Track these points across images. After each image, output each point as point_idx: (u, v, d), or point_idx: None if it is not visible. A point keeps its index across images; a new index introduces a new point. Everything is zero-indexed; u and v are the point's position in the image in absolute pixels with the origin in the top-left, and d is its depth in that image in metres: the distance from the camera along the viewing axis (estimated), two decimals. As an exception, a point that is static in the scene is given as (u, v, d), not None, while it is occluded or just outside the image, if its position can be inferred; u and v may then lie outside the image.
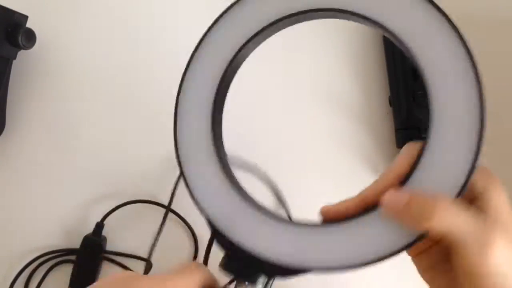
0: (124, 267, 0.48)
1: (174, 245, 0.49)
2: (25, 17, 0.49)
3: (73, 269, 0.48)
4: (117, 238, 0.49)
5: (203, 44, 0.33)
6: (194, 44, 0.33)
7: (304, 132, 0.52)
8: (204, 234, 0.48)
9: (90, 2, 0.54)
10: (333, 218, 0.28)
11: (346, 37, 0.54)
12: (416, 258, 0.30)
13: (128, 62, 0.53)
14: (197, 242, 0.49)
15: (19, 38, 0.47)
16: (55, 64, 0.52)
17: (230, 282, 0.31)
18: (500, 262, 0.23)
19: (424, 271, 0.29)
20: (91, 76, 0.53)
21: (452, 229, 0.24)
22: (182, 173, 0.32)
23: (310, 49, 0.54)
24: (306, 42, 0.54)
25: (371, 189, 0.28)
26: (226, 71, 0.31)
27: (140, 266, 0.47)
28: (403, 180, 0.27)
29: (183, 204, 0.49)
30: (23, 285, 0.48)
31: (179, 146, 0.32)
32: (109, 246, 0.49)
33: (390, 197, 0.26)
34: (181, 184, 0.51)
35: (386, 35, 0.28)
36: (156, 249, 0.48)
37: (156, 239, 0.48)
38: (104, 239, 0.48)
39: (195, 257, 0.49)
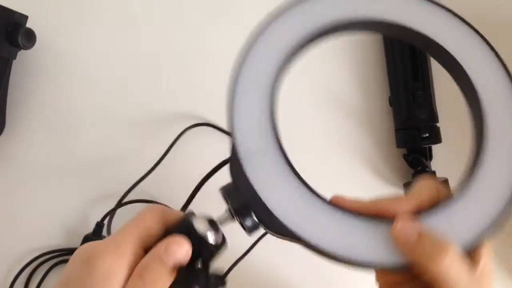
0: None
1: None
2: (25, 17, 0.49)
3: (73, 269, 0.48)
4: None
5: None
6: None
7: (304, 132, 0.52)
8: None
9: (90, 2, 0.54)
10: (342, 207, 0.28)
11: (346, 37, 0.54)
12: None
13: (128, 62, 0.53)
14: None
15: (19, 38, 0.47)
16: (55, 64, 0.52)
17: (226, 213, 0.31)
18: None
19: None
20: (91, 76, 0.53)
21: (449, 275, 0.25)
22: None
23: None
24: (306, 42, 0.54)
25: (388, 204, 0.28)
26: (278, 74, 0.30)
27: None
28: (421, 210, 0.27)
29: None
30: (23, 285, 0.48)
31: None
32: (109, 246, 0.49)
33: (403, 226, 0.26)
34: (181, 184, 0.51)
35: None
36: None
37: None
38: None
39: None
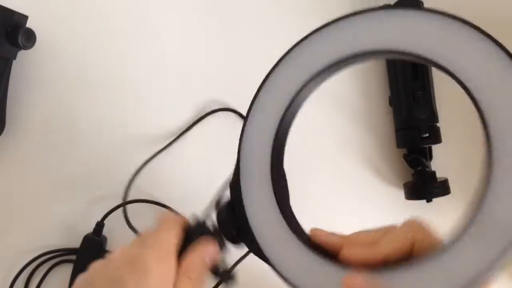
0: (124, 267, 0.48)
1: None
2: (25, 17, 0.49)
3: (73, 269, 0.48)
4: (117, 238, 0.49)
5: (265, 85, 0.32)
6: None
7: (304, 132, 0.52)
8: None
9: (90, 2, 0.54)
10: (319, 243, 0.30)
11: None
12: None
13: (128, 62, 0.53)
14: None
15: (19, 38, 0.47)
16: (55, 64, 0.52)
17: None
18: None
19: None
20: (91, 76, 0.52)
21: None
22: None
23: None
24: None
25: (355, 247, 0.28)
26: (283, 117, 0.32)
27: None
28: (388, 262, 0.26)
29: (183, 204, 0.49)
30: (23, 285, 0.48)
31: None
32: (109, 246, 0.49)
33: (350, 279, 0.26)
34: (181, 183, 0.51)
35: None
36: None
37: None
38: (104, 239, 0.48)
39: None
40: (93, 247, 0.48)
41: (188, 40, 0.53)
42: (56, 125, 0.51)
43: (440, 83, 0.51)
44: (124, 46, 0.53)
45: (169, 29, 0.54)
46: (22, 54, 0.50)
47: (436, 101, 0.51)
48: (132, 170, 0.50)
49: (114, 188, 0.50)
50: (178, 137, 0.51)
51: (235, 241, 0.33)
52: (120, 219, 0.49)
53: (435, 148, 0.51)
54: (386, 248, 0.27)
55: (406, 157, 0.50)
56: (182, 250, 0.32)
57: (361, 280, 0.26)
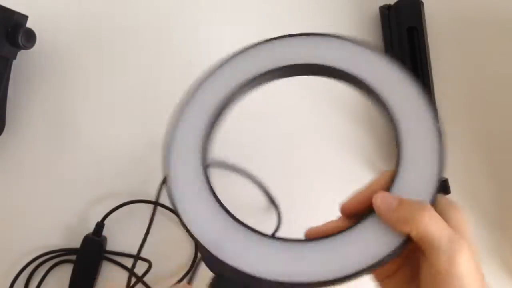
0: (124, 267, 0.48)
1: (174, 245, 0.49)
2: (25, 17, 0.49)
3: (73, 269, 0.48)
4: (117, 238, 0.49)
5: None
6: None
7: (304, 132, 0.52)
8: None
9: (90, 2, 0.54)
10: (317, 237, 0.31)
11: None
12: (383, 282, 0.32)
13: (128, 62, 0.53)
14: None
15: (19, 38, 0.47)
16: (55, 64, 0.52)
17: None
18: (464, 268, 0.26)
19: None
20: (91, 76, 0.53)
21: (431, 233, 0.27)
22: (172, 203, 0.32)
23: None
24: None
25: (354, 199, 0.31)
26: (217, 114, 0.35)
27: (140, 266, 0.47)
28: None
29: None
30: (23, 285, 0.48)
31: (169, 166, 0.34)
32: (109, 246, 0.49)
33: (384, 198, 0.29)
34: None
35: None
36: (157, 249, 0.48)
37: (145, 236, 0.48)
38: (104, 239, 0.48)
39: (194, 258, 0.49)
40: (93, 247, 0.48)
41: (188, 40, 0.53)
42: (56, 125, 0.51)
43: (440, 83, 0.51)
44: (124, 45, 0.53)
45: (169, 29, 0.54)
46: (22, 54, 0.50)
47: (436, 101, 0.51)
48: (132, 170, 0.50)
49: (114, 188, 0.50)
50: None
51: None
52: (120, 219, 0.49)
53: (435, 148, 0.51)
54: (378, 184, 0.31)
55: (406, 157, 0.50)
56: None
57: (391, 195, 0.29)
